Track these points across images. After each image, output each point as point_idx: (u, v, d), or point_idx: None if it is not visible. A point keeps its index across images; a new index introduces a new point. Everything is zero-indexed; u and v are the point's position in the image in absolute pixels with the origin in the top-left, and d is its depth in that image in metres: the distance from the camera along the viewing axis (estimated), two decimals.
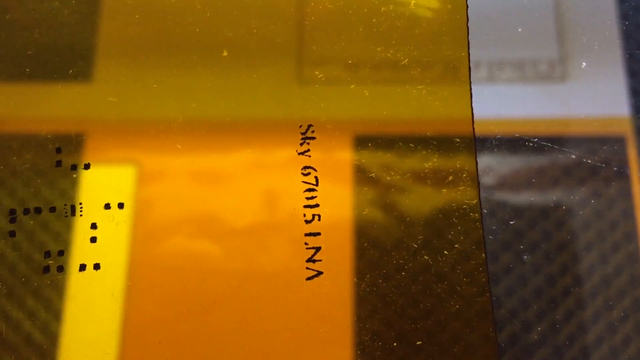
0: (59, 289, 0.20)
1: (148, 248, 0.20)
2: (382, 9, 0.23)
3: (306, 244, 0.20)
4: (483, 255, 0.20)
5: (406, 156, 0.21)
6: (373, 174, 0.21)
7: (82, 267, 0.20)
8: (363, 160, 0.21)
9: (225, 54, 0.22)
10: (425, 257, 0.20)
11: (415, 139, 0.21)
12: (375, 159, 0.21)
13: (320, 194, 0.21)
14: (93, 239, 0.21)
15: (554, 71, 0.23)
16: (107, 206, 0.21)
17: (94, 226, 0.21)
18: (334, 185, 0.21)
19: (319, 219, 0.21)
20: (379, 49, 0.22)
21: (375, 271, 0.20)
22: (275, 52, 0.22)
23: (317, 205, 0.21)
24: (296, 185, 0.21)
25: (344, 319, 0.20)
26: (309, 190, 0.21)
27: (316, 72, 0.22)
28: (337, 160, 0.21)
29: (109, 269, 0.20)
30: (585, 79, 0.23)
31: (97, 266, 0.20)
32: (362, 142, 0.21)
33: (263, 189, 0.21)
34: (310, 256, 0.20)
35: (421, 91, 0.22)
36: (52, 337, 0.20)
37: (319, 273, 0.20)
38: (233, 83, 0.22)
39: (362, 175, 0.21)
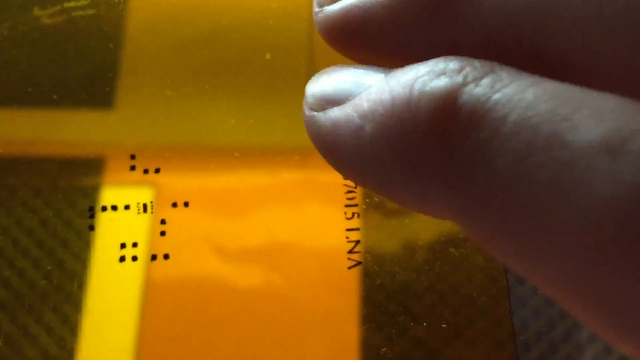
0: (77, 304, 0.21)
1: (165, 266, 0.21)
2: None
3: None
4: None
5: None
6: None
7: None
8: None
9: (241, 82, 0.23)
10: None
11: None
12: None
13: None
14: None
15: None
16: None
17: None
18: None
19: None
20: None
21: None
22: (287, 81, 0.24)
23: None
24: (301, 209, 0.22)
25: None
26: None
27: None
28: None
29: (126, 285, 0.21)
30: None
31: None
32: None
33: (274, 212, 0.22)
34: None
35: None
36: (68, 351, 0.20)
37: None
38: (249, 110, 0.23)
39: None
